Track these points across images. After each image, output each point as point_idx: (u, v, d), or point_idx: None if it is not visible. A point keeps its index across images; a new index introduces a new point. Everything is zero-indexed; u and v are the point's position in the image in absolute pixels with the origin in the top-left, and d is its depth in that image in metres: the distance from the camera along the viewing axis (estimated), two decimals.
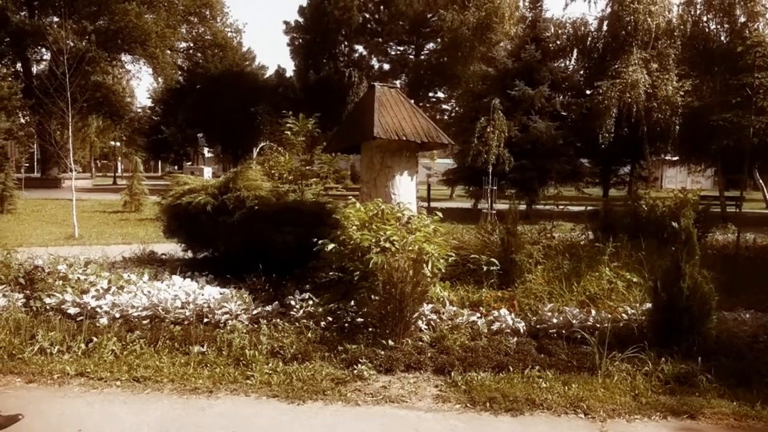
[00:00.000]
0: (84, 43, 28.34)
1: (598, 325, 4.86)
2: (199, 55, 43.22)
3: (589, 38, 24.04)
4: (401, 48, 43.89)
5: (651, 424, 3.67)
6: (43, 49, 33.29)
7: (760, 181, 26.27)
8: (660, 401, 3.91)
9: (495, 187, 17.24)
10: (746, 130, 12.07)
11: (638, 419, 3.73)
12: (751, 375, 4.22)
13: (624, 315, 5.13)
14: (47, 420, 3.52)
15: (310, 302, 5.39)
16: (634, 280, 5.85)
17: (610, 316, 5.05)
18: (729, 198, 20.72)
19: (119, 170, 51.93)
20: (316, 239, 5.64)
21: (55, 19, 31.40)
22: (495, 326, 5.07)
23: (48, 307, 5.35)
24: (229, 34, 42.23)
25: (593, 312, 5.18)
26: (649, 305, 5.02)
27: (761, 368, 4.29)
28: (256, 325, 5.04)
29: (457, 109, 30.83)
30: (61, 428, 3.43)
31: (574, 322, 4.97)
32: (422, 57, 42.11)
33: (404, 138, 7.12)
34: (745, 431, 3.60)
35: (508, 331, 5.01)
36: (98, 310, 5.22)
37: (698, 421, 3.71)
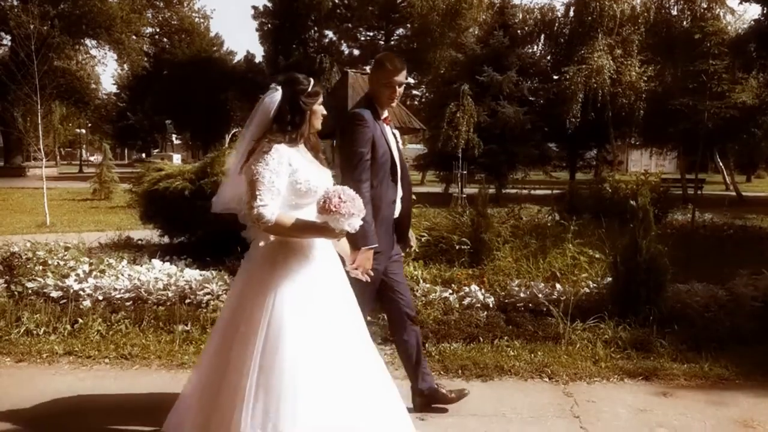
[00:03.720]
0: (46, 28, 27.68)
1: (562, 298, 5.15)
2: (165, 40, 42.60)
3: (556, 24, 24.52)
4: (371, 34, 43.94)
5: (609, 385, 4.01)
6: (2, 33, 32.43)
7: (720, 164, 27.21)
8: (618, 365, 4.25)
9: (465, 172, 17.59)
10: (702, 115, 12.60)
11: (598, 381, 4.05)
12: (700, 341, 4.58)
13: (586, 288, 5.46)
14: (43, 394, 3.67)
15: None
16: (596, 256, 6.19)
17: (573, 289, 5.35)
18: (690, 180, 21.46)
19: (85, 157, 50.94)
20: None
21: (15, 2, 30.55)
22: (466, 301, 5.33)
23: (30, 292, 5.43)
24: (197, 19, 41.67)
25: (558, 286, 5.47)
26: (609, 279, 5.37)
27: (710, 335, 4.66)
28: None
29: (427, 94, 31.13)
30: (58, 400, 3.61)
31: (539, 295, 5.26)
32: (392, 43, 42.17)
33: None
34: (693, 389, 3.96)
35: (479, 305, 5.28)
36: (81, 293, 5.32)
37: (652, 381, 4.06)
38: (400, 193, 3.30)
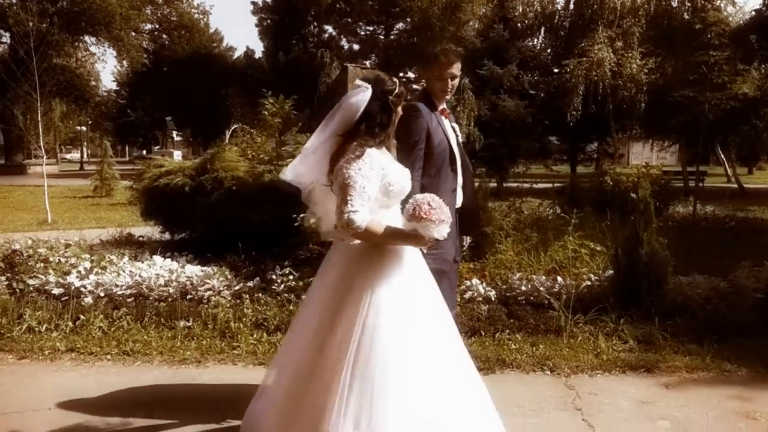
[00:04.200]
0: (45, 26, 27.63)
1: (563, 291, 5.14)
2: (165, 37, 42.51)
3: (557, 17, 24.34)
4: (371, 28, 43.82)
5: (611, 378, 4.01)
6: (1, 31, 32.38)
7: (722, 156, 27.13)
8: (620, 358, 4.25)
9: None
10: (703, 106, 12.54)
11: (599, 374, 4.06)
12: (702, 333, 4.58)
13: (588, 281, 5.45)
14: (46, 391, 3.68)
15: (291, 277, 5.58)
16: (598, 248, 6.18)
17: (574, 282, 5.35)
18: (691, 172, 21.37)
19: (86, 155, 50.89)
20: (296, 215, 5.82)
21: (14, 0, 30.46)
22: (468, 295, 5.33)
23: (32, 289, 5.43)
24: (196, 15, 41.57)
25: (559, 279, 5.47)
26: (610, 271, 5.36)
27: (712, 327, 4.66)
28: (238, 300, 5.23)
29: None
30: (61, 396, 3.61)
31: (541, 288, 5.26)
32: (392, 37, 42.09)
33: None
34: (694, 381, 3.96)
35: (480, 299, 5.27)
36: (82, 289, 5.32)
37: (654, 374, 4.06)
38: (460, 181, 3.36)
